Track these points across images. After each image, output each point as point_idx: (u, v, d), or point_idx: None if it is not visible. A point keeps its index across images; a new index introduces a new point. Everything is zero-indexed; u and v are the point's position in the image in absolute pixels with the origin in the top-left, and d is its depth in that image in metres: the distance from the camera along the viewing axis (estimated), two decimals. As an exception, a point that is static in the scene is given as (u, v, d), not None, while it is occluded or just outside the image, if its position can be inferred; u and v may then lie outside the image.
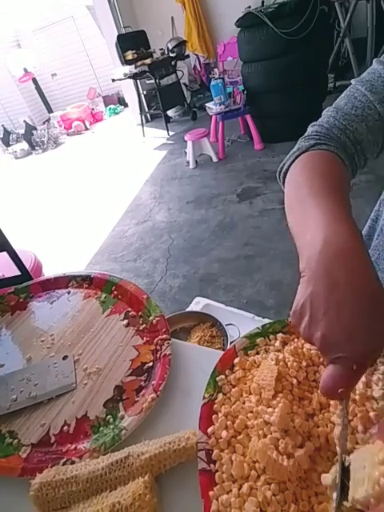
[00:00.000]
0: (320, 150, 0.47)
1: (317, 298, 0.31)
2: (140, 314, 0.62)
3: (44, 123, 7.48)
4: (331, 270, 0.31)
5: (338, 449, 0.32)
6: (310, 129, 0.53)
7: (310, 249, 0.34)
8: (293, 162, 0.49)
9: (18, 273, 0.79)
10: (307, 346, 0.44)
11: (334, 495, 0.29)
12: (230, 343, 0.90)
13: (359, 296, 0.30)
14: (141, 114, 5.45)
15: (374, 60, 0.49)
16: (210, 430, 0.39)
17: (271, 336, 0.48)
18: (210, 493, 0.35)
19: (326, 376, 0.30)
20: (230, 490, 0.35)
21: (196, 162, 3.76)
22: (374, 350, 0.29)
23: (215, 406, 0.42)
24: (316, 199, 0.39)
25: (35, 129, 7.07)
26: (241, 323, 1.10)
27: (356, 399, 0.36)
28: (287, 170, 0.50)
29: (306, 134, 0.52)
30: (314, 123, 0.53)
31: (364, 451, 0.28)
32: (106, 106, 8.66)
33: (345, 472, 0.29)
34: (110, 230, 3.07)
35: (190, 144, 3.63)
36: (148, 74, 4.82)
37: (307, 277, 0.33)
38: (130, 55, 4.82)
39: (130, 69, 4.85)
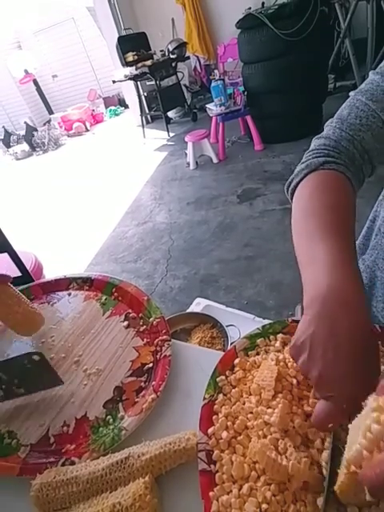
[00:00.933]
0: (329, 170, 0.48)
1: (317, 339, 0.33)
2: (140, 315, 0.62)
3: (45, 124, 7.50)
4: (334, 317, 0.33)
5: (324, 471, 0.33)
6: (315, 142, 0.53)
7: (315, 290, 0.36)
8: (302, 179, 0.50)
9: (18, 274, 0.80)
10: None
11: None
12: (231, 344, 0.90)
13: (356, 347, 0.32)
14: (141, 115, 5.47)
15: (370, 71, 0.50)
16: (210, 430, 0.39)
17: (271, 337, 0.48)
18: (211, 493, 0.35)
19: (319, 410, 0.33)
20: (231, 491, 0.35)
21: (196, 163, 3.76)
22: (363, 394, 0.30)
23: (215, 406, 0.42)
24: (323, 234, 0.41)
25: (36, 130, 7.09)
26: (241, 324, 1.10)
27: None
28: (295, 186, 0.51)
29: (312, 147, 0.52)
30: (319, 136, 0.53)
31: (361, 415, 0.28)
32: (106, 107, 8.67)
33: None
34: (110, 230, 3.07)
35: (190, 145, 3.64)
36: (148, 75, 4.83)
37: (310, 317, 0.35)
38: (130, 57, 4.83)
39: (130, 70, 4.87)
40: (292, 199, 0.51)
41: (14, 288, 0.61)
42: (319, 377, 0.33)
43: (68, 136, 7.53)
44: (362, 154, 0.49)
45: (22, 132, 7.35)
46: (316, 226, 0.42)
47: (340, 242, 0.40)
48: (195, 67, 5.82)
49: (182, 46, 5.05)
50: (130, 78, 4.90)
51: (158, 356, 0.54)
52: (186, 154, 3.92)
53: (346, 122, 0.50)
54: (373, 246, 0.62)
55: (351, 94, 0.51)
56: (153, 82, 5.02)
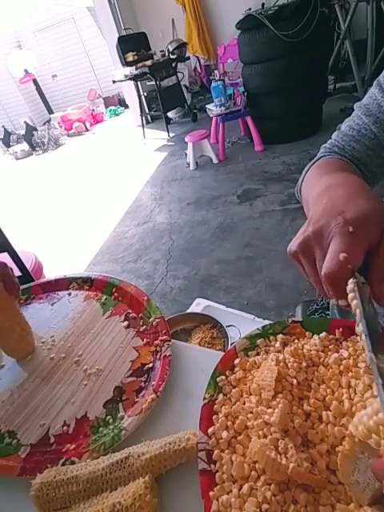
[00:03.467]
0: (325, 158, 0.54)
1: (315, 214, 0.36)
2: (140, 315, 0.62)
3: (44, 124, 7.50)
4: (332, 193, 0.37)
5: (355, 301, 0.31)
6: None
7: (314, 196, 0.40)
8: (304, 176, 0.55)
9: (18, 273, 0.80)
10: (307, 346, 0.44)
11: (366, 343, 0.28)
12: (231, 344, 0.90)
13: (350, 191, 0.36)
14: (141, 115, 5.47)
15: (374, 82, 0.54)
16: (210, 430, 0.39)
17: (271, 337, 0.48)
18: (211, 493, 0.35)
19: (328, 253, 0.32)
20: (231, 491, 0.35)
21: (196, 163, 3.77)
22: (363, 214, 0.32)
23: (215, 406, 0.42)
24: (327, 173, 0.46)
25: (36, 130, 7.09)
26: (241, 324, 1.10)
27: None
28: (301, 185, 0.55)
29: None
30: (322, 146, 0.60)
31: None
32: (106, 107, 8.68)
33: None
34: (110, 230, 3.07)
35: (190, 145, 3.64)
36: (148, 75, 4.83)
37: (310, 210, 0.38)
38: (130, 57, 4.83)
39: (130, 70, 4.87)
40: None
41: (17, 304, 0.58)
42: (316, 225, 0.34)
43: (68, 136, 7.53)
44: (354, 159, 0.54)
45: (22, 131, 7.35)
46: (323, 172, 0.48)
47: (341, 172, 0.44)
48: (195, 68, 5.82)
49: (182, 46, 5.05)
50: (130, 78, 4.90)
51: (157, 356, 0.54)
52: (186, 154, 3.92)
53: (341, 133, 0.56)
54: None
55: (355, 106, 0.56)
56: (153, 82, 5.02)
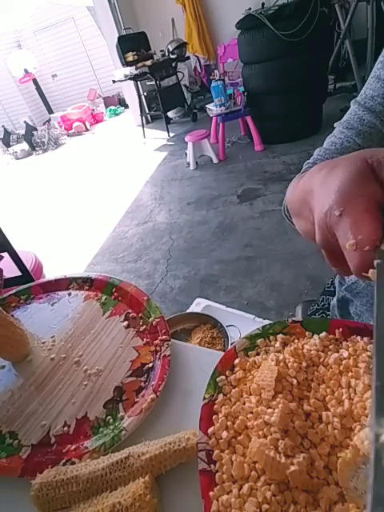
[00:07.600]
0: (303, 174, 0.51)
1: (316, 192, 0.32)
2: (140, 315, 0.62)
3: (44, 124, 7.50)
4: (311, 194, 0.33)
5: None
6: None
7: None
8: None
9: (18, 273, 0.80)
10: (307, 346, 0.44)
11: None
12: (231, 344, 0.90)
13: (320, 181, 0.32)
14: (141, 115, 5.47)
15: (351, 101, 0.54)
16: (210, 430, 0.39)
17: (271, 337, 0.48)
18: (211, 493, 0.35)
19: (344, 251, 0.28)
20: (231, 491, 0.35)
21: (196, 163, 3.76)
22: (338, 188, 0.29)
23: (215, 406, 0.42)
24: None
25: (36, 129, 7.09)
26: (241, 324, 1.10)
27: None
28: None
29: None
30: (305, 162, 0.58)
31: None
32: (106, 107, 8.68)
33: None
34: (110, 230, 3.07)
35: (190, 145, 3.64)
36: (148, 75, 4.83)
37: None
38: (130, 57, 4.84)
39: (130, 70, 4.87)
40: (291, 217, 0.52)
41: None
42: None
43: (68, 135, 7.53)
44: None
45: (22, 131, 7.36)
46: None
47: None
48: (195, 67, 5.82)
49: (182, 46, 5.05)
50: (130, 78, 4.90)
51: (157, 356, 0.54)
52: (186, 154, 3.92)
53: (323, 149, 0.55)
54: None
55: (335, 125, 0.56)
56: (153, 82, 5.02)
